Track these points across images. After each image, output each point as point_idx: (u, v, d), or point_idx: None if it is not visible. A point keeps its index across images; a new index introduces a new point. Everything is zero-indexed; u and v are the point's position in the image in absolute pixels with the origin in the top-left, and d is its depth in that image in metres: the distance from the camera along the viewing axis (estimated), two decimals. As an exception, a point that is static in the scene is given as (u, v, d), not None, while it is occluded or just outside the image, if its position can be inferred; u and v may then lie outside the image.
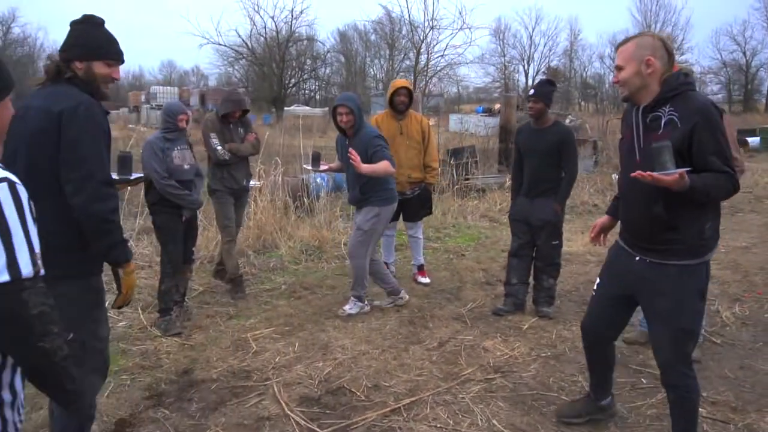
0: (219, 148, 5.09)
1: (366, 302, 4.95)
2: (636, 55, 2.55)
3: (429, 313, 4.90)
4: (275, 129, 19.56)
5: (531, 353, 4.10)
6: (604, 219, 3.08)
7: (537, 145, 4.69)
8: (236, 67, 42.94)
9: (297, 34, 40.99)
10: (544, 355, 4.06)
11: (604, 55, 51.23)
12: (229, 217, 5.27)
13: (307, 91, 54.92)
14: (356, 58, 51.60)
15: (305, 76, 49.68)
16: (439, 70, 14.90)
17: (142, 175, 3.04)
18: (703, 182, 2.40)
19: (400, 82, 5.71)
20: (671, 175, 2.34)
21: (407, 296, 5.08)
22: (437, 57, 14.67)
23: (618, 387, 3.61)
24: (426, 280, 5.79)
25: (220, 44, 37.18)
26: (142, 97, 35.70)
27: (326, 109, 39.53)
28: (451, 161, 10.37)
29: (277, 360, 3.99)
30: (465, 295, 5.39)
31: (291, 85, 46.23)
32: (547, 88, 4.73)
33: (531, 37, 53.50)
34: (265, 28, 40.40)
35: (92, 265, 2.38)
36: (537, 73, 52.81)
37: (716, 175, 2.43)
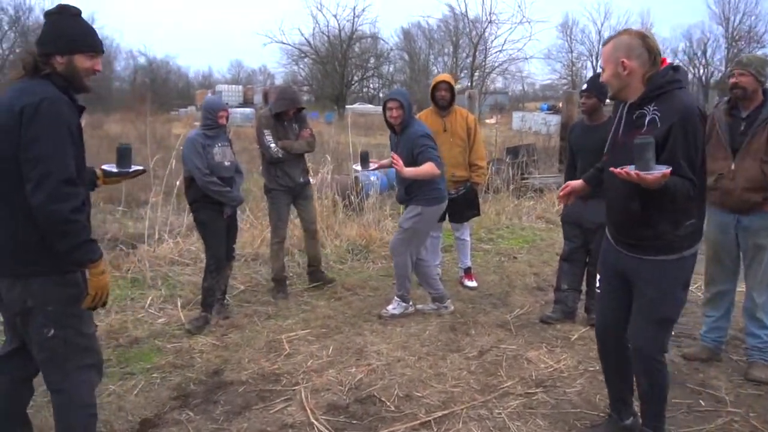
0: (272, 145, 5.03)
1: (411, 303, 4.79)
2: (612, 57, 2.56)
3: (472, 319, 4.67)
4: (333, 127, 19.66)
5: (578, 367, 3.82)
6: (578, 182, 3.09)
7: (590, 143, 4.36)
8: (300, 65, 43.51)
9: (360, 32, 41.16)
10: (592, 369, 3.77)
11: (678, 50, 49.06)
12: (281, 218, 5.20)
13: (370, 89, 55.08)
14: (420, 56, 51.32)
15: (369, 74, 49.83)
16: (497, 66, 14.50)
17: (141, 167, 2.99)
18: (674, 184, 2.37)
19: (441, 76, 5.44)
20: (653, 174, 2.31)
21: (452, 307, 4.84)
22: (495, 52, 14.28)
23: (672, 408, 3.30)
24: (473, 283, 5.54)
25: (283, 43, 37.78)
26: (209, 93, 36.75)
27: (388, 106, 39.38)
28: (507, 160, 10.02)
29: (309, 363, 3.87)
30: (513, 301, 5.12)
31: (353, 82, 46.46)
32: (600, 82, 4.40)
33: (600, 32, 51.66)
34: (327, 26, 40.79)
35: (67, 261, 2.30)
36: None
37: (683, 180, 2.40)
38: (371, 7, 56.72)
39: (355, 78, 46.71)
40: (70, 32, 2.32)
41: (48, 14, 2.36)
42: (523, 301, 5.10)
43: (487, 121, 21.53)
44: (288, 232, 5.55)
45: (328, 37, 40.25)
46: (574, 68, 50.88)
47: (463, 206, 5.36)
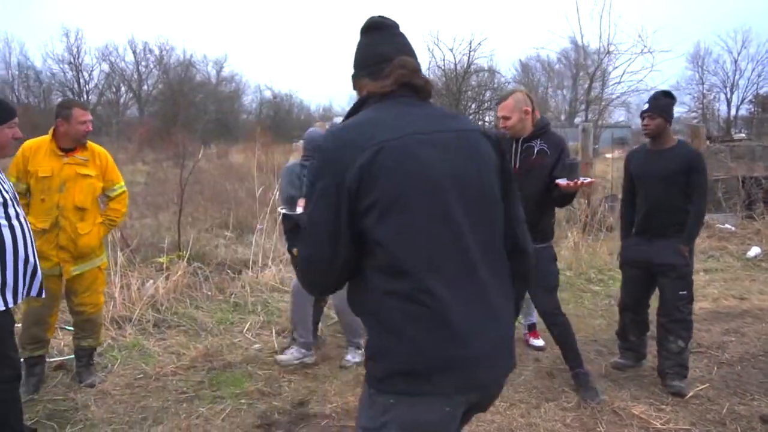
0: None
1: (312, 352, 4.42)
2: (516, 108, 3.72)
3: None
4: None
5: (691, 430, 3.41)
6: None
7: (656, 171, 3.86)
8: (416, 99, 44.08)
9: (475, 65, 41.18)
10: (707, 433, 3.36)
11: (829, 78, 44.64)
12: None
13: (486, 123, 54.75)
14: (538, 89, 50.42)
15: (485, 107, 49.62)
16: (615, 98, 13.70)
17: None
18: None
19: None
20: (589, 180, 3.61)
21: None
22: (613, 84, 13.52)
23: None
24: (540, 342, 4.78)
25: (401, 77, 38.56)
26: (327, 127, 38.12)
27: (503, 140, 38.82)
28: (620, 196, 9.42)
29: (394, 402, 3.74)
30: (620, 349, 4.72)
31: (468, 115, 46.46)
32: (664, 101, 3.89)
33: (736, 62, 48.14)
34: (443, 60, 41.20)
35: None
36: (741, 101, 47.49)
37: None
38: (487, 41, 56.56)
39: (470, 111, 46.65)
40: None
41: None
42: (632, 350, 4.68)
43: (607, 155, 20.70)
44: None
45: (444, 71, 40.63)
46: (705, 101, 47.75)
47: None
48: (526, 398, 3.81)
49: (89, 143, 3.80)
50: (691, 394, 3.84)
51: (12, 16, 61.52)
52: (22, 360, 3.86)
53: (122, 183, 4.01)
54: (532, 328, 4.90)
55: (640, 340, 4.25)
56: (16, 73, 40.76)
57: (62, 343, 4.53)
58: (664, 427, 3.43)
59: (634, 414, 3.57)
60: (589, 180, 3.50)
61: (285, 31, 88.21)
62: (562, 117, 43.69)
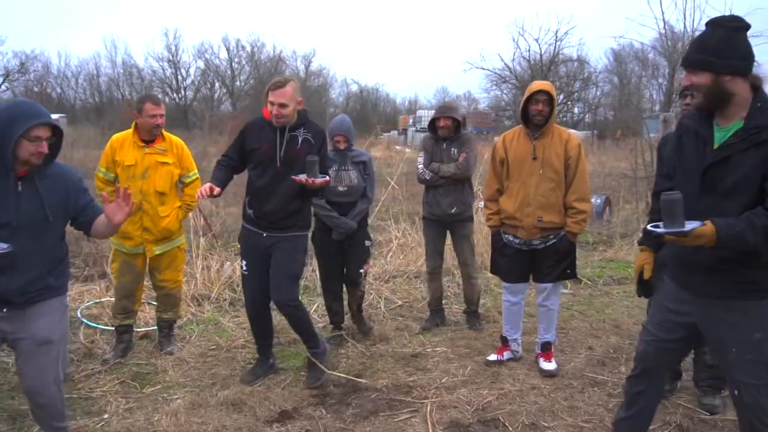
0: (420, 166, 4.86)
1: None
2: (294, 97, 3.72)
3: (628, 355, 4.36)
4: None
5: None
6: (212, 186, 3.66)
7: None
8: (503, 90, 43.50)
9: (563, 56, 40.14)
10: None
11: None
12: (429, 248, 5.03)
13: (575, 114, 53.17)
14: (631, 79, 48.39)
15: (574, 98, 48.23)
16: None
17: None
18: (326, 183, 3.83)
19: (539, 84, 4.07)
20: (323, 180, 3.65)
21: None
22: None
23: None
24: (551, 366, 4.06)
25: (483, 68, 38.23)
26: (410, 120, 38.45)
27: (588, 132, 37.86)
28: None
29: (443, 380, 3.94)
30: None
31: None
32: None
33: None
34: (528, 50, 40.44)
35: None
36: None
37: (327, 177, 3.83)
38: (575, 29, 54.75)
39: (557, 102, 45.59)
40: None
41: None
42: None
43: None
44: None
45: (529, 61, 39.91)
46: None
47: (552, 259, 4.01)
48: (572, 383, 3.89)
49: (166, 134, 4.24)
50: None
51: (117, 19, 65.90)
52: (113, 328, 4.38)
53: (196, 170, 4.41)
54: (545, 348, 4.13)
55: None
56: (121, 71, 43.63)
57: (148, 316, 5.03)
58: (709, 417, 3.42)
59: (682, 404, 3.58)
60: (324, 179, 3.65)
61: (372, 24, 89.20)
62: (656, 107, 41.71)
